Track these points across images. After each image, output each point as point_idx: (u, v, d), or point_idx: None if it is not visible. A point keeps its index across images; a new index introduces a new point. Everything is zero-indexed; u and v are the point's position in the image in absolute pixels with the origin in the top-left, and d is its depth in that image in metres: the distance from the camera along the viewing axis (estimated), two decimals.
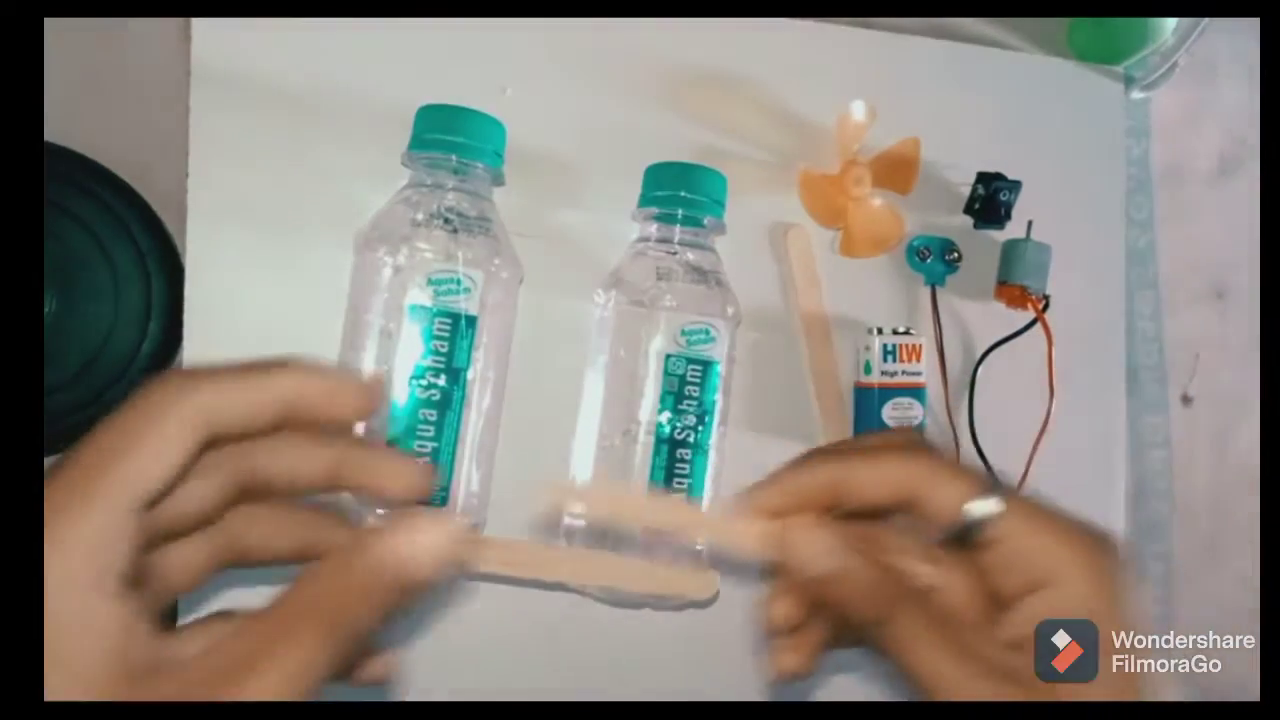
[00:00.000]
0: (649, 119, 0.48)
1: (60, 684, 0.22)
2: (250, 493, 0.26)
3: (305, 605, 0.23)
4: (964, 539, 0.28)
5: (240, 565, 0.27)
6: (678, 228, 0.44)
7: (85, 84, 0.43)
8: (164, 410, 0.23)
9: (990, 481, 0.28)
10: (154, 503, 0.23)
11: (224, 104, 0.43)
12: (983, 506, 0.28)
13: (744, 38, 0.49)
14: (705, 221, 0.44)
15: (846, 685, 0.48)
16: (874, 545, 0.29)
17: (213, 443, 0.24)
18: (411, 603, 0.24)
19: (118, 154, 0.43)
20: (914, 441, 0.30)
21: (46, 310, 0.41)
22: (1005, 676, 0.27)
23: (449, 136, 0.40)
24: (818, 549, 0.28)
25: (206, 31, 0.43)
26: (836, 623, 0.31)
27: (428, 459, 0.39)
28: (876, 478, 0.29)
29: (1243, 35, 0.57)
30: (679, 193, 0.43)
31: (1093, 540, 0.28)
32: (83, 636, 0.22)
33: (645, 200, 0.44)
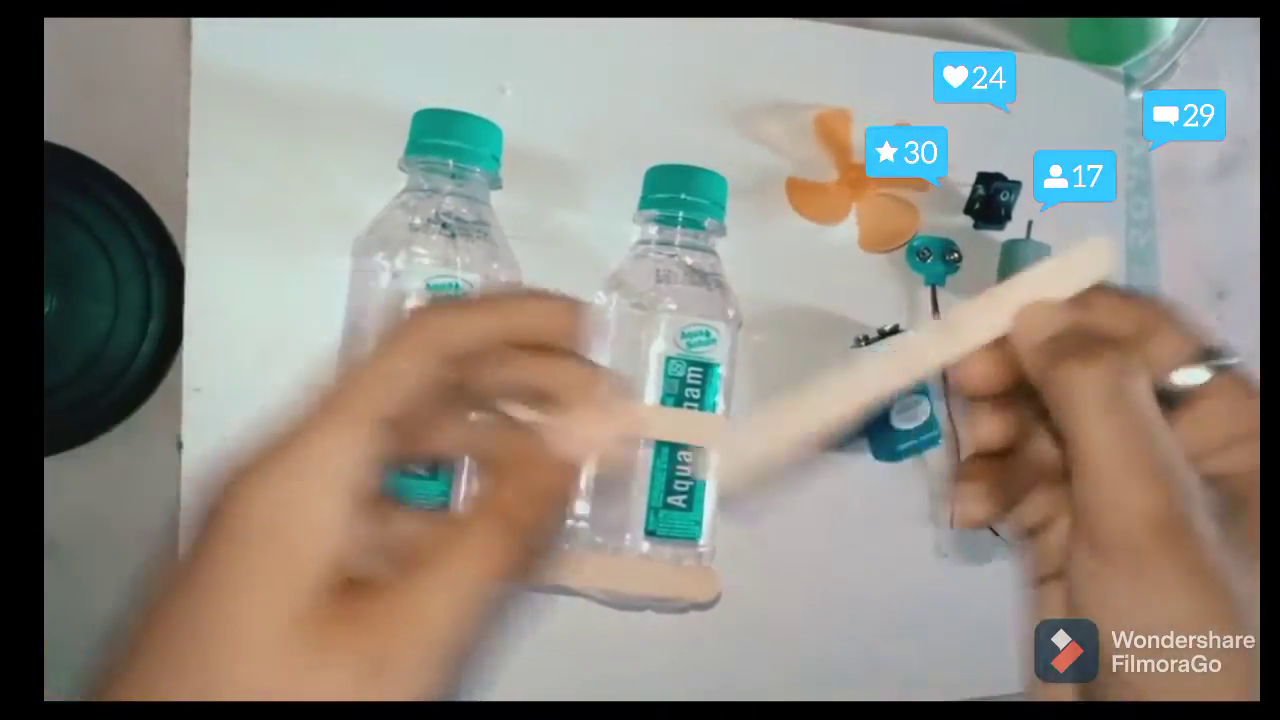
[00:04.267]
0: (649, 119, 0.48)
1: (265, 614, 0.22)
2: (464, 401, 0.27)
3: (495, 505, 0.24)
4: (1170, 399, 0.28)
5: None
6: (678, 230, 0.44)
7: (85, 84, 0.43)
8: (405, 337, 0.25)
9: (1212, 350, 0.28)
10: (395, 423, 0.24)
11: (224, 104, 0.43)
12: (1190, 375, 0.27)
13: (744, 37, 0.49)
14: (706, 224, 0.44)
15: (847, 685, 0.48)
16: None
17: (448, 366, 0.25)
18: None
19: (118, 154, 0.43)
20: (1162, 299, 0.29)
21: (46, 310, 0.41)
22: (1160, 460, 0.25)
23: (445, 141, 0.40)
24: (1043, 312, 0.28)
25: (206, 31, 0.43)
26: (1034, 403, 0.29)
27: (428, 464, 0.38)
28: (1114, 309, 0.28)
29: (1243, 35, 0.57)
30: (679, 195, 0.43)
31: None
32: (304, 537, 0.23)
33: (645, 203, 0.44)
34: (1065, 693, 0.30)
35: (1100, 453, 0.25)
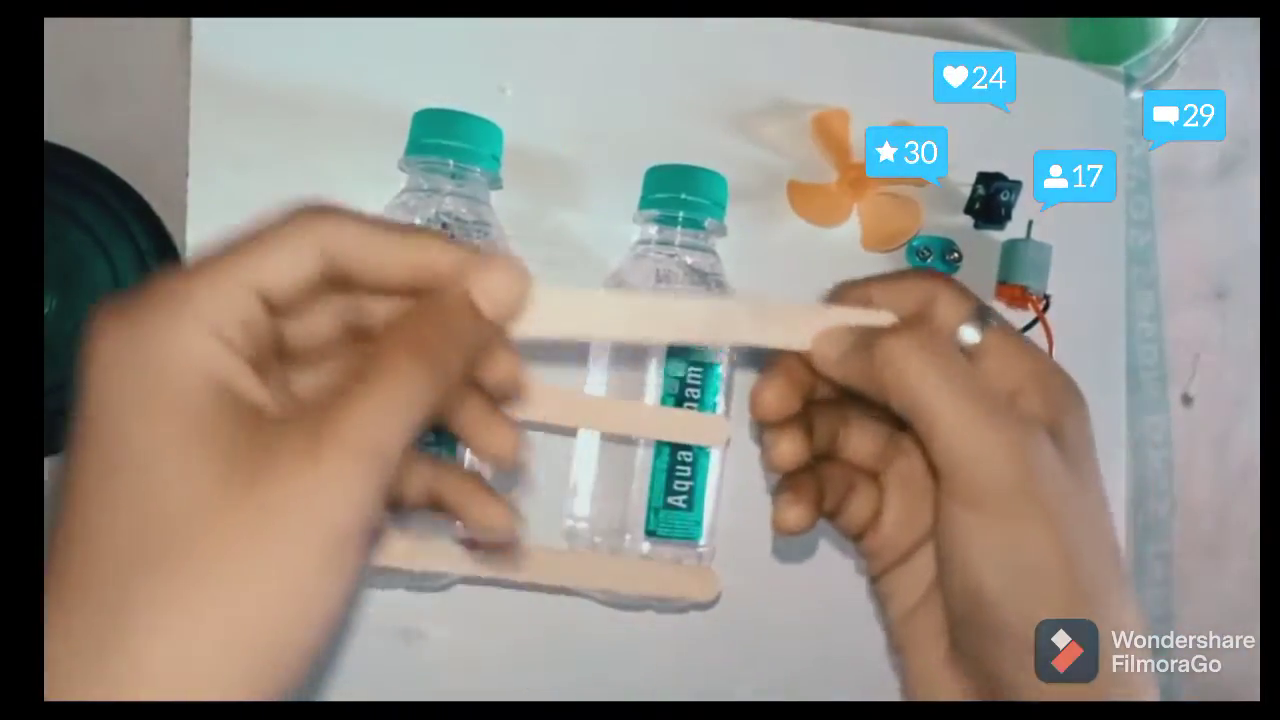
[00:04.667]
0: (649, 119, 0.48)
1: (164, 433, 0.22)
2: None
3: (402, 336, 0.24)
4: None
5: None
6: (678, 230, 0.44)
7: (85, 84, 0.43)
8: (298, 225, 0.24)
9: (985, 308, 0.30)
10: (273, 305, 0.24)
11: (224, 104, 0.43)
12: (973, 331, 0.30)
13: (744, 37, 0.49)
14: (706, 224, 0.44)
15: (847, 685, 0.48)
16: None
17: (333, 280, 0.25)
18: (490, 343, 0.26)
19: (118, 154, 0.43)
20: (928, 270, 0.34)
21: (46, 310, 0.41)
22: (1003, 411, 0.28)
23: (445, 141, 0.40)
24: (825, 342, 0.30)
25: (206, 31, 0.43)
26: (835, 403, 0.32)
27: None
28: (894, 294, 0.31)
29: (1243, 35, 0.57)
30: (679, 195, 0.43)
31: (1061, 372, 0.30)
32: (192, 375, 0.22)
33: (645, 202, 0.44)
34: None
35: (952, 412, 0.27)
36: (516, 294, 0.26)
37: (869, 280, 0.32)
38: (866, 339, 0.29)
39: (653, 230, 0.44)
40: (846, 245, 0.50)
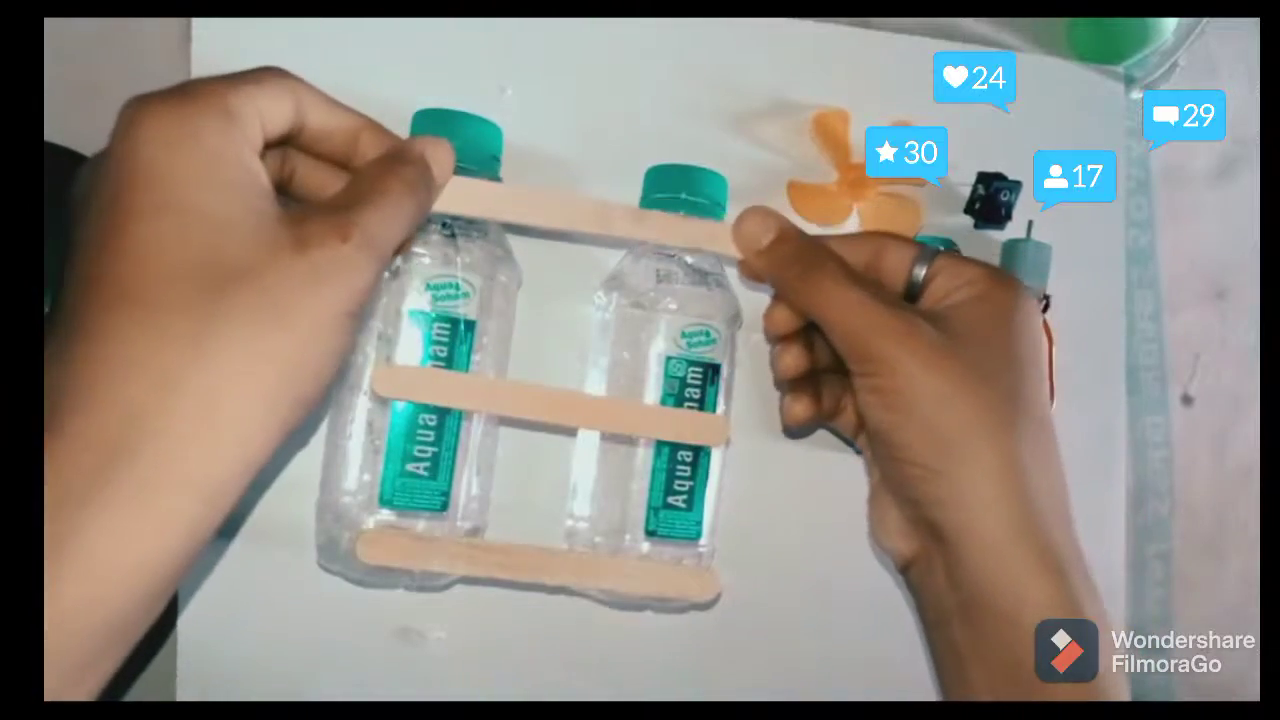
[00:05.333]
0: (649, 119, 0.48)
1: (232, 205, 0.27)
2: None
3: (395, 172, 0.32)
4: (912, 294, 0.39)
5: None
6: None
7: (85, 84, 0.43)
8: (281, 77, 0.31)
9: (929, 248, 0.39)
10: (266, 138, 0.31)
11: None
12: (922, 269, 0.38)
13: (744, 37, 0.49)
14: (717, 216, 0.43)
15: (847, 685, 0.48)
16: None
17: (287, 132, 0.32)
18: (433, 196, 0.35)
19: None
20: (877, 230, 0.41)
21: (46, 310, 0.41)
22: (903, 308, 0.36)
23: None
24: (757, 222, 0.39)
25: (206, 31, 0.43)
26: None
27: (427, 464, 0.39)
28: (846, 249, 0.39)
29: (1243, 35, 0.57)
30: (679, 195, 0.43)
31: (1005, 274, 0.39)
32: (244, 167, 0.28)
33: (645, 202, 0.44)
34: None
35: (848, 323, 0.36)
36: (448, 157, 0.35)
37: (822, 238, 0.39)
38: (786, 248, 0.38)
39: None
40: None
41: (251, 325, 0.26)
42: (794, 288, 0.38)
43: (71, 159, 0.42)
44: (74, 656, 0.25)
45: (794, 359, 0.40)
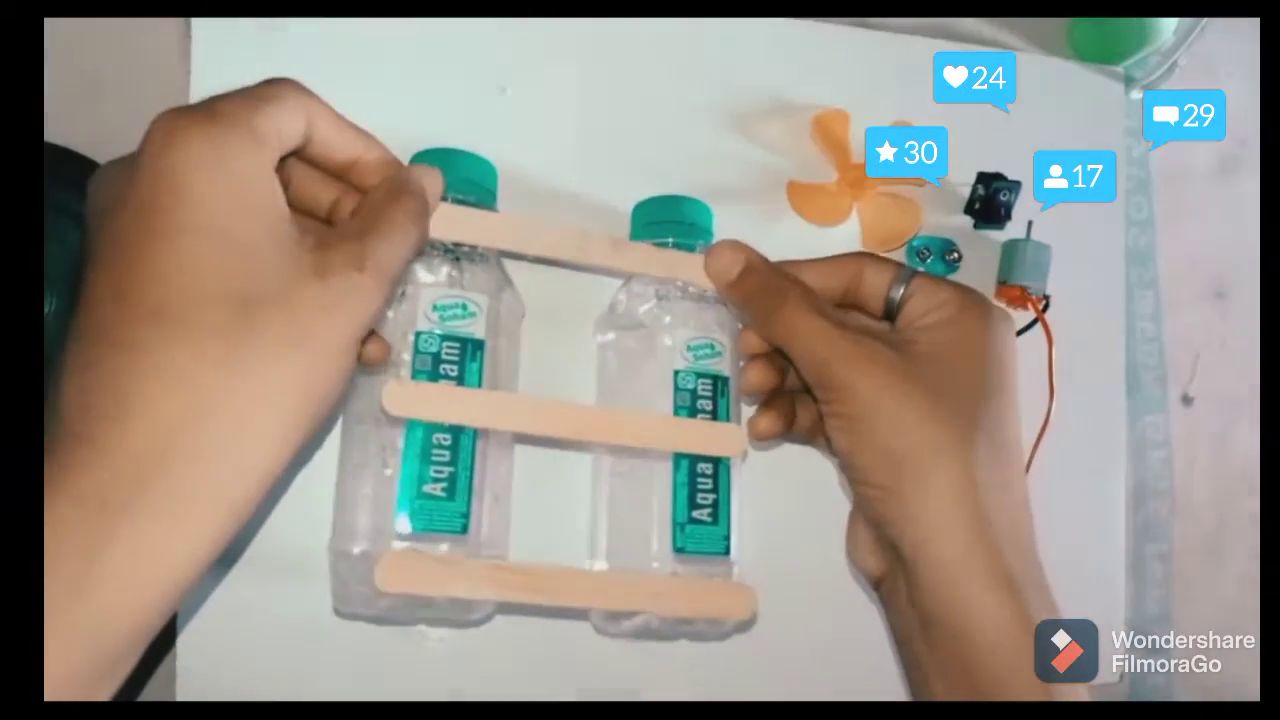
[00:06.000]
0: (649, 119, 0.48)
1: (261, 230, 0.29)
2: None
3: (399, 203, 0.34)
4: (891, 314, 0.39)
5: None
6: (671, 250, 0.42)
7: (85, 84, 0.43)
8: (296, 92, 0.33)
9: (906, 269, 0.39)
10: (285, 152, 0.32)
11: None
12: (899, 289, 0.39)
13: (744, 37, 0.49)
14: (697, 247, 0.42)
15: (847, 685, 0.48)
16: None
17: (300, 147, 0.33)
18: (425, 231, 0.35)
19: (118, 154, 0.42)
20: (855, 252, 0.41)
21: (46, 310, 0.41)
22: (870, 334, 0.37)
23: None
24: (727, 256, 0.40)
25: (206, 31, 0.43)
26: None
27: (445, 484, 0.37)
28: (826, 271, 0.40)
29: (1243, 35, 0.57)
30: (668, 220, 0.43)
31: (978, 297, 0.39)
32: (269, 192, 0.30)
33: (637, 233, 0.44)
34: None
35: (809, 352, 0.37)
36: (439, 184, 0.36)
37: (802, 262, 0.40)
38: (755, 280, 0.39)
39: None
40: (846, 245, 0.50)
41: (278, 349, 0.28)
42: (760, 320, 0.39)
43: (71, 159, 0.42)
44: (99, 663, 0.25)
45: (759, 375, 0.41)
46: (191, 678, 0.41)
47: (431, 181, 0.36)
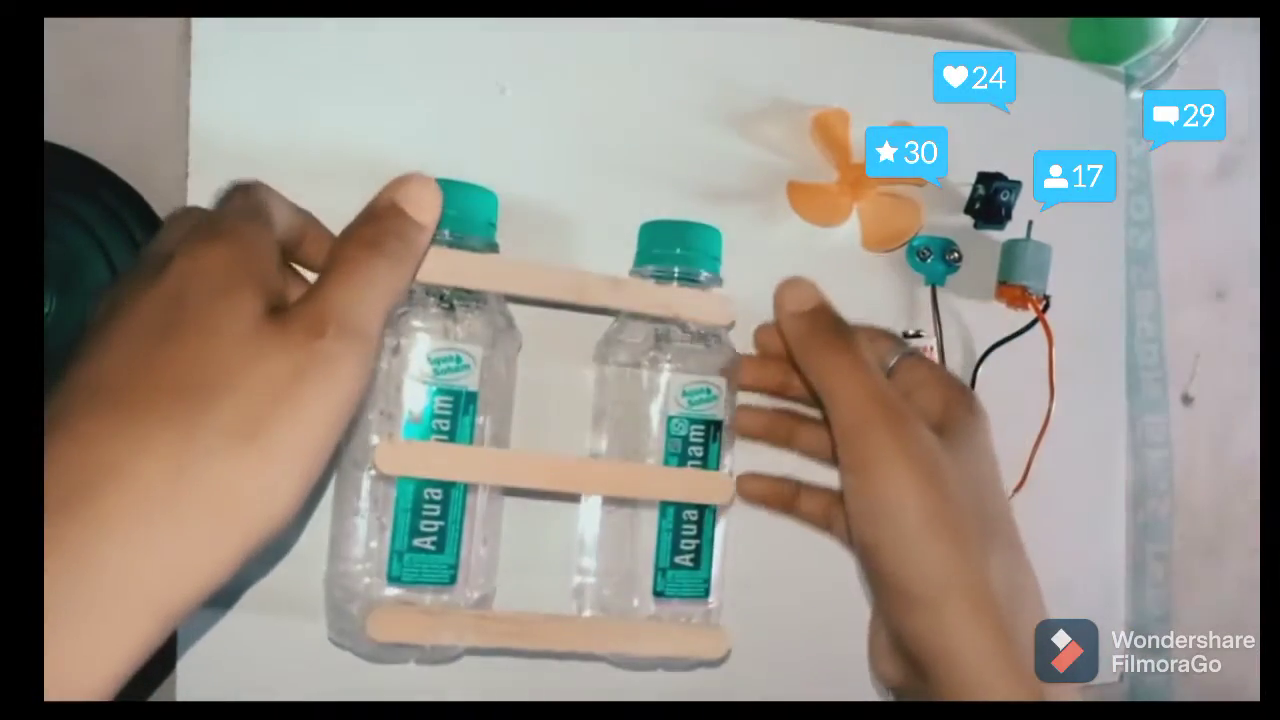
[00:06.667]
0: (649, 119, 0.48)
1: (241, 325, 0.27)
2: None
3: (354, 237, 0.31)
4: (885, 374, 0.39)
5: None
6: (674, 285, 0.42)
7: (85, 84, 0.43)
8: (276, 199, 0.32)
9: (899, 341, 0.41)
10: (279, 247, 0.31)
11: (224, 104, 0.43)
12: (893, 358, 0.40)
13: (744, 37, 0.49)
14: (701, 277, 0.43)
15: (847, 685, 0.48)
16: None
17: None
18: (422, 237, 0.32)
19: (118, 154, 0.43)
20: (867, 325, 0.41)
21: (46, 310, 0.41)
22: (889, 394, 0.36)
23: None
24: (807, 287, 0.39)
25: (206, 31, 0.43)
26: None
27: (434, 538, 0.38)
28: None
29: (1243, 35, 0.57)
30: (674, 250, 0.42)
31: (957, 381, 0.40)
32: (255, 288, 0.28)
33: (641, 258, 0.43)
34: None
35: (847, 388, 0.35)
36: (429, 193, 0.32)
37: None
38: (823, 318, 0.39)
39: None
40: (846, 245, 0.50)
41: (227, 443, 0.25)
42: (823, 352, 0.37)
43: (71, 159, 0.42)
44: None
45: (751, 422, 0.43)
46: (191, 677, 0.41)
47: (410, 189, 0.32)
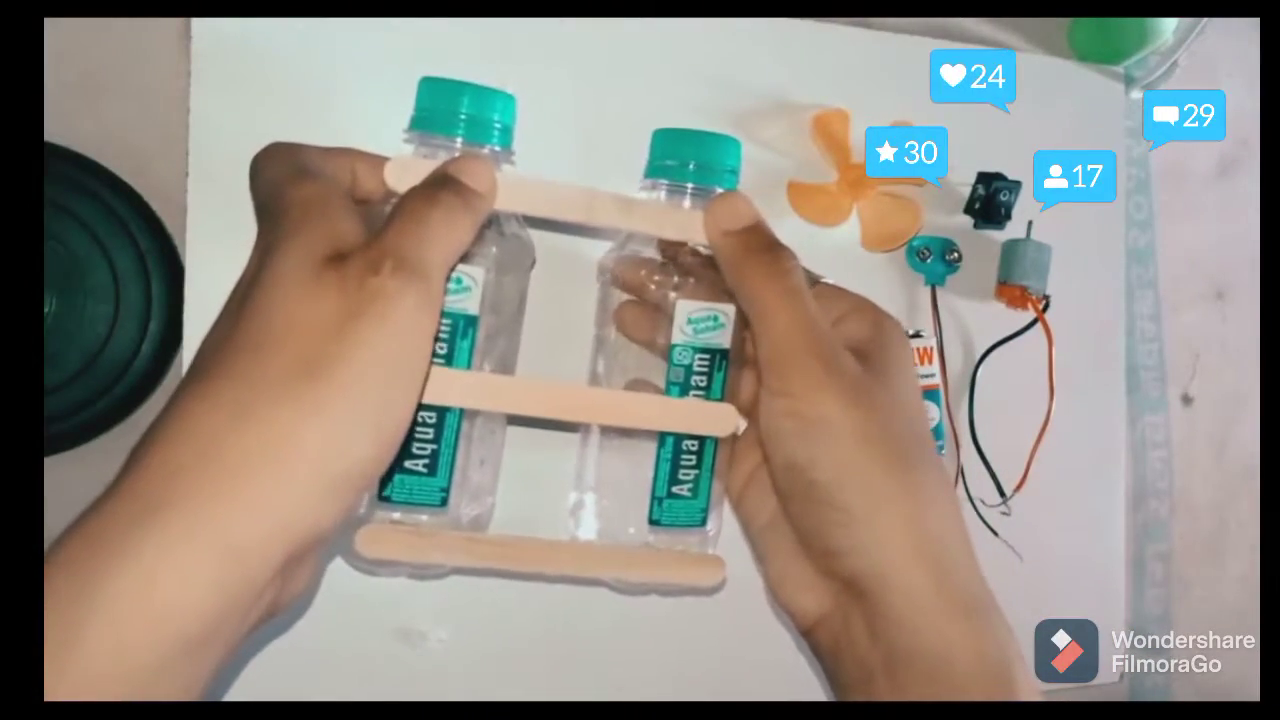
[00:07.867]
0: (649, 119, 0.48)
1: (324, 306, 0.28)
2: None
3: (408, 195, 0.32)
4: None
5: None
6: (686, 200, 0.40)
7: (85, 84, 0.43)
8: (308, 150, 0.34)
9: (811, 275, 0.39)
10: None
11: (224, 104, 0.43)
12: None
13: (744, 37, 0.49)
14: (717, 194, 0.39)
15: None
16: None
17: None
18: (482, 202, 0.34)
19: (118, 154, 0.43)
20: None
21: (46, 310, 0.41)
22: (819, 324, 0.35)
23: (453, 115, 0.38)
24: (742, 204, 0.38)
25: (206, 31, 0.43)
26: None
27: (426, 460, 0.38)
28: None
29: (1243, 35, 0.57)
30: (688, 162, 0.40)
31: (874, 306, 0.39)
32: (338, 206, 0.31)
33: (652, 170, 0.41)
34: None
35: (783, 313, 0.34)
36: (484, 168, 0.34)
37: None
38: (756, 236, 0.37)
39: (660, 199, 0.41)
40: (846, 245, 0.50)
41: (286, 385, 0.26)
42: (756, 273, 0.36)
43: (71, 159, 0.42)
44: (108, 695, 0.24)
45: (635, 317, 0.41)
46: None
47: (468, 166, 0.33)
